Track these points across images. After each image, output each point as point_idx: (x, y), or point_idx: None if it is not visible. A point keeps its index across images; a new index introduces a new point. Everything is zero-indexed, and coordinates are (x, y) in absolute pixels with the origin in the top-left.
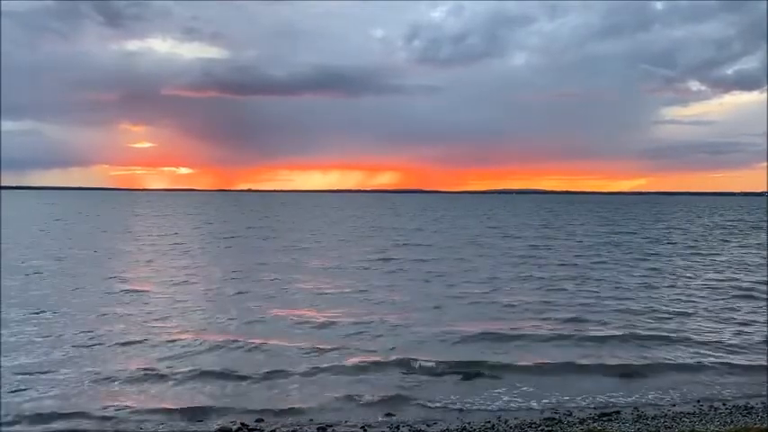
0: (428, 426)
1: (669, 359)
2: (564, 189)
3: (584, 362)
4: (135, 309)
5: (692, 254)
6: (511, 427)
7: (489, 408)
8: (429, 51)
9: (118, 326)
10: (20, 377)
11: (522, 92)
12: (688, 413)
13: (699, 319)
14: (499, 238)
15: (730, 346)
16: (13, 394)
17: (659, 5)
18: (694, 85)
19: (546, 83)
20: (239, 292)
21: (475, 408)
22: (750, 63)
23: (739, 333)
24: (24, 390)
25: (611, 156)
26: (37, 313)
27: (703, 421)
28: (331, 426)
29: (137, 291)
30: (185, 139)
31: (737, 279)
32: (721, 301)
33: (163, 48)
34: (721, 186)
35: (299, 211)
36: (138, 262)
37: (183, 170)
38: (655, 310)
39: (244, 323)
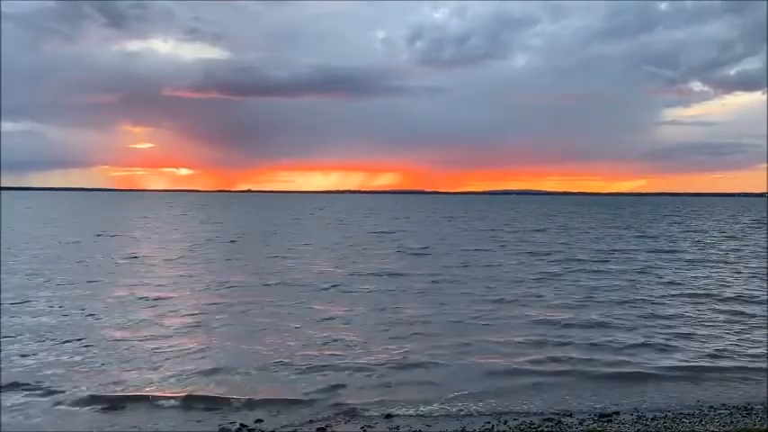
0: (428, 426)
1: (669, 359)
2: (564, 190)
3: (584, 362)
4: (133, 312)
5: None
6: (510, 428)
7: (489, 409)
8: (431, 52)
9: (114, 324)
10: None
11: (525, 93)
12: (688, 414)
13: (699, 319)
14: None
15: (731, 346)
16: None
17: (663, 6)
18: (696, 86)
19: (548, 84)
20: (237, 288)
21: (474, 408)
22: (753, 64)
23: (740, 333)
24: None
25: (612, 157)
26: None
27: (703, 422)
28: (330, 426)
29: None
30: (186, 140)
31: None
32: (724, 303)
33: (164, 49)
34: (721, 187)
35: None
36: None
37: (184, 171)
38: (657, 314)
39: (242, 323)
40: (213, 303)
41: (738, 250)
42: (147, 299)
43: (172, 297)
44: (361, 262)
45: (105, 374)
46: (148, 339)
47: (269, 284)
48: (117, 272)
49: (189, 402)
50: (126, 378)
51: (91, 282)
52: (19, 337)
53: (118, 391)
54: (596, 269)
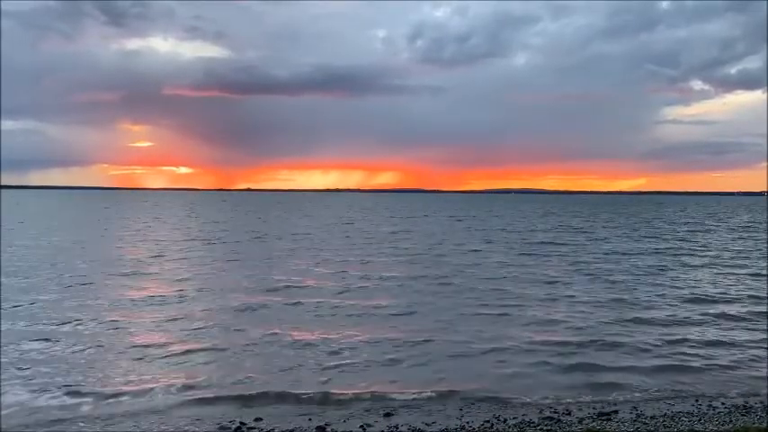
0: (427, 425)
1: (668, 358)
2: (564, 189)
3: (583, 360)
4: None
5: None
6: (510, 426)
7: (488, 407)
8: (432, 51)
9: (113, 327)
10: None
11: (525, 92)
12: (687, 412)
13: (699, 318)
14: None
15: (730, 345)
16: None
17: (664, 5)
18: (697, 85)
19: (549, 83)
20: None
21: (473, 407)
22: (753, 63)
23: (740, 332)
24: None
25: (612, 156)
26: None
27: (702, 421)
28: (330, 425)
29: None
30: (185, 138)
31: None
32: (728, 306)
33: (164, 47)
34: (721, 186)
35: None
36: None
37: (183, 170)
38: (657, 311)
39: (242, 323)
40: (211, 309)
41: (744, 252)
42: (137, 301)
43: (166, 300)
44: (360, 267)
45: (100, 372)
46: (145, 340)
47: (268, 289)
48: (98, 282)
49: (188, 402)
50: (123, 379)
51: (57, 290)
52: None
53: (117, 389)
54: (604, 275)
